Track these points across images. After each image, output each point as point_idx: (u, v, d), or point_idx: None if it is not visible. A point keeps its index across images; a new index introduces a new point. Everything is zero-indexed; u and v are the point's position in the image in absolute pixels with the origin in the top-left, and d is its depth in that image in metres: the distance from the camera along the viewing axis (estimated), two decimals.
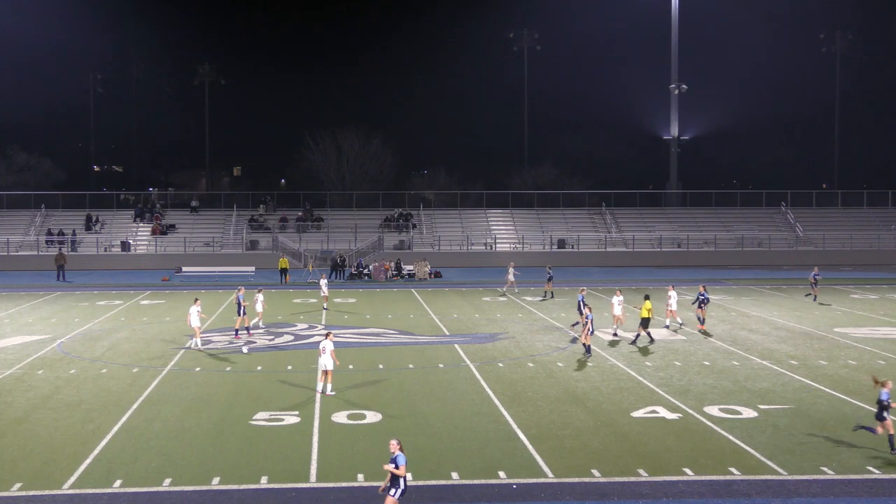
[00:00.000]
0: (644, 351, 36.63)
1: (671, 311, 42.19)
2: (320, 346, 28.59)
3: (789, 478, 20.84)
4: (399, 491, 17.53)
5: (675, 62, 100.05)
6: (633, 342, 38.38)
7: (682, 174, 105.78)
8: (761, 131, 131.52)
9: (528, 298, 54.10)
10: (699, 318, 41.91)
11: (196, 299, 37.98)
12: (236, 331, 40.31)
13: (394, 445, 17.71)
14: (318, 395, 28.18)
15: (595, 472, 21.22)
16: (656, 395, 28.78)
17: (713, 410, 26.77)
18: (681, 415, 26.36)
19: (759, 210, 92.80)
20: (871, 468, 21.49)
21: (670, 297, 42.45)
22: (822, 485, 20.40)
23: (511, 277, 57.78)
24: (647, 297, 39.10)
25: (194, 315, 36.86)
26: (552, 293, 55.62)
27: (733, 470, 21.29)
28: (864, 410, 26.91)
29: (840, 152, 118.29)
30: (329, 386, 28.56)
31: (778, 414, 26.46)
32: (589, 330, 35.42)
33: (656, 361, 34.39)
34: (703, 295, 41.99)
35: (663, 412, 26.63)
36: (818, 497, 19.68)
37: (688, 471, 21.28)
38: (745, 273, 66.96)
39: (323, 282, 49.69)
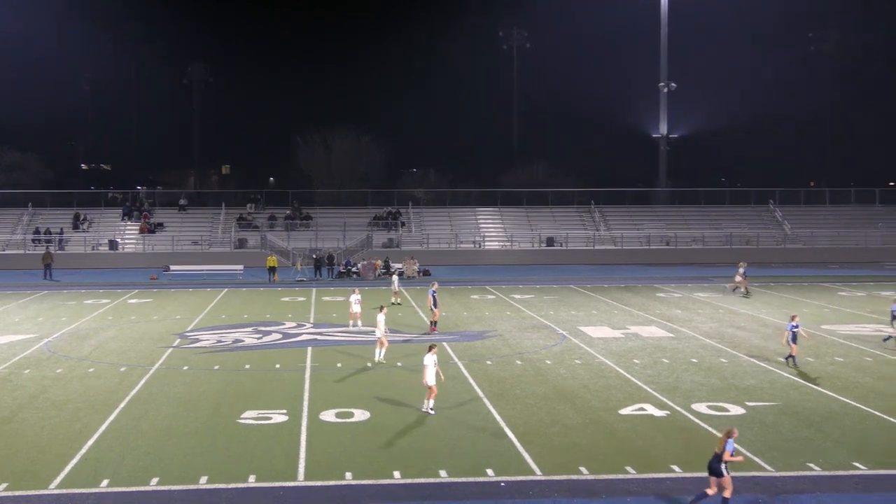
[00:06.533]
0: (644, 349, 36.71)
1: None
2: (424, 362, 26.47)
3: (776, 474, 20.90)
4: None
5: (664, 60, 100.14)
6: None
7: (670, 172, 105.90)
8: (750, 129, 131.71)
9: (517, 297, 54.11)
10: None
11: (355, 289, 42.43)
12: (433, 323, 41.78)
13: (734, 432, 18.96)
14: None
15: (583, 469, 21.24)
16: (644, 393, 28.83)
17: (701, 407, 26.82)
18: (669, 412, 26.40)
19: (747, 208, 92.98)
20: (857, 464, 21.55)
21: None
22: (808, 481, 20.46)
23: (740, 277, 56.01)
24: None
25: (354, 303, 41.47)
26: (746, 289, 55.15)
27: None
28: (851, 406, 27.02)
29: (828, 150, 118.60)
30: (430, 403, 26.43)
31: (765, 411, 26.52)
32: None
33: (644, 359, 34.43)
34: None
35: (651, 409, 26.68)
36: (805, 493, 19.74)
37: (676, 468, 21.33)
38: (734, 271, 66.85)
39: (395, 278, 53.52)
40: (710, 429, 24.53)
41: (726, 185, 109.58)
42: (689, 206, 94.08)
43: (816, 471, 21.12)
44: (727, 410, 26.57)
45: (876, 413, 26.36)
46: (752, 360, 34.41)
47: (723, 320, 44.49)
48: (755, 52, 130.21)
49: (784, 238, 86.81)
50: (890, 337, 37.30)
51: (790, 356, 33.05)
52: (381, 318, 34.19)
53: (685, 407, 26.91)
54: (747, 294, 53.90)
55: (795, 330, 32.98)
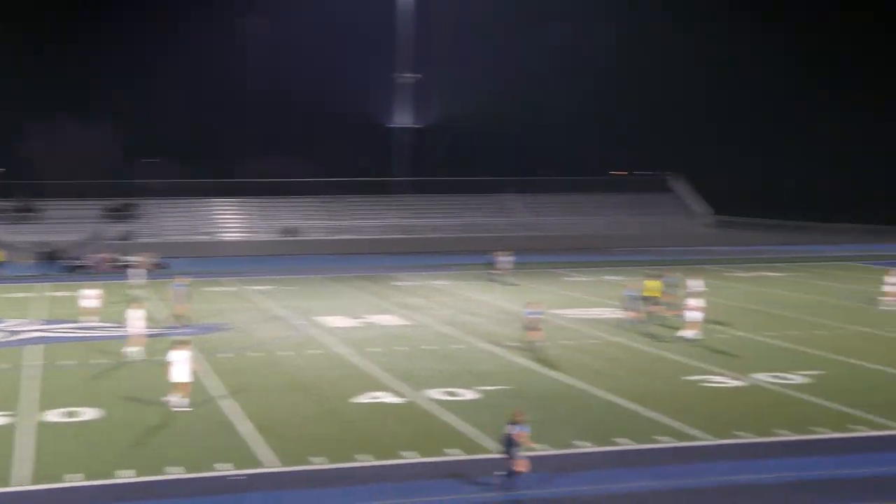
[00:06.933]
0: (373, 339, 37.09)
1: None
2: (169, 358, 25.95)
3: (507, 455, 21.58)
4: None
5: (404, 51, 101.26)
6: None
7: (412, 162, 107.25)
8: (488, 120, 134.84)
9: (256, 288, 53.56)
10: None
11: None
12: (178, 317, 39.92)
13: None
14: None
15: (319, 459, 21.33)
16: (381, 381, 29.19)
17: (435, 394, 27.40)
18: (404, 399, 26.86)
19: (483, 196, 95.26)
20: (582, 442, 22.52)
21: None
22: (537, 461, 21.17)
23: (502, 265, 56.13)
24: (656, 277, 41.02)
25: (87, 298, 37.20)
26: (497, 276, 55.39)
27: (454, 451, 21.88)
28: (578, 387, 28.25)
29: (560, 140, 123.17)
30: (179, 399, 25.70)
31: (498, 395, 27.35)
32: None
33: (381, 347, 34.85)
34: None
35: (387, 397, 27.06)
36: (533, 472, 20.40)
37: (410, 454, 21.71)
38: (470, 258, 68.50)
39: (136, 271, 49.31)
40: (444, 414, 25.11)
41: (465, 175, 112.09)
42: (429, 196, 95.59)
43: (544, 451, 21.94)
44: (461, 396, 27.25)
45: (600, 393, 27.66)
46: (486, 345, 35.39)
47: (458, 307, 45.50)
48: (496, 44, 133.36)
49: (518, 226, 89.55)
50: (631, 322, 39.02)
51: (531, 341, 34.08)
52: (135, 313, 33.26)
53: (420, 393, 27.43)
54: (496, 280, 55.47)
55: (533, 316, 34.12)
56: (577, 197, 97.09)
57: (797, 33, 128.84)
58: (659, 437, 23.10)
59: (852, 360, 32.36)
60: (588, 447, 22.32)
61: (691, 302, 36.58)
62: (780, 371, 30.39)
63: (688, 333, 35.87)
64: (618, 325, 38.95)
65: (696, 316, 36.08)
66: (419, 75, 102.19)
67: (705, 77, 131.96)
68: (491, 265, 56.94)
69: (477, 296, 49.75)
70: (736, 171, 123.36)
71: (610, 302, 45.96)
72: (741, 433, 23.38)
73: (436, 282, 56.02)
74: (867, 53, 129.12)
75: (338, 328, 39.39)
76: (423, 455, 21.62)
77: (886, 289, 44.33)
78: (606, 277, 57.56)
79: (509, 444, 19.53)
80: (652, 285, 41.05)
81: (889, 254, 70.50)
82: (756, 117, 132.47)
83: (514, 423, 19.70)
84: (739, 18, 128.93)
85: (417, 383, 28.76)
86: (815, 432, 23.48)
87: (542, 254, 72.74)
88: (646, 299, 40.26)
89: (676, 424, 24.14)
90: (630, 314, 38.80)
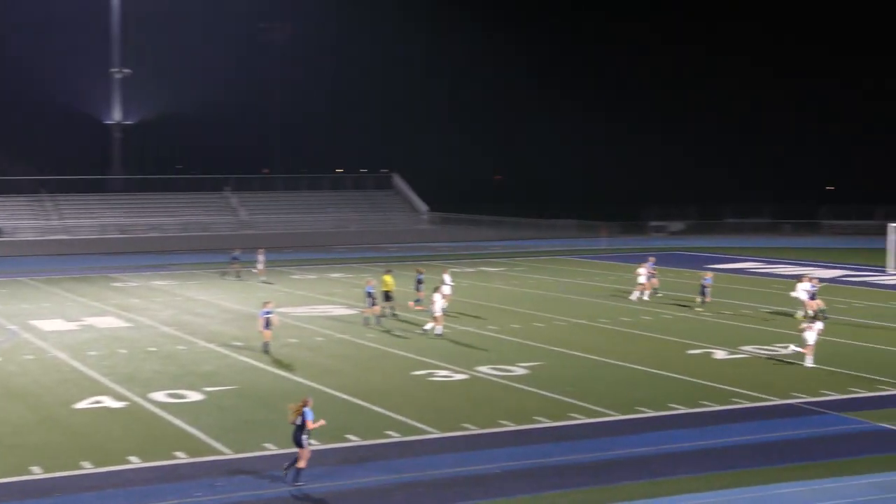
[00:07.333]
0: (92, 340, 35.76)
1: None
2: None
3: (235, 456, 21.34)
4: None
5: (116, 46, 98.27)
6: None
7: (127, 159, 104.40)
8: (206, 117, 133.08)
9: None
10: None
11: None
12: None
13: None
14: None
15: (36, 469, 20.40)
16: (101, 385, 28.24)
17: (159, 396, 26.76)
18: (127, 403, 26.11)
19: (203, 195, 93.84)
20: (266, 444, 22.33)
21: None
22: (264, 460, 21.04)
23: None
24: (391, 272, 41.65)
25: None
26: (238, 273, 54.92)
27: (180, 454, 21.41)
28: (304, 385, 28.13)
29: (287, 138, 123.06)
30: None
31: (223, 395, 27.01)
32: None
33: (101, 350, 33.71)
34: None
35: (108, 402, 26.22)
36: (263, 472, 20.20)
37: (134, 459, 21.10)
38: (191, 258, 67.21)
39: None
40: (168, 417, 24.54)
41: (183, 172, 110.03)
42: (146, 194, 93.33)
43: (272, 450, 21.76)
44: (186, 397, 26.73)
45: (328, 390, 27.68)
46: (210, 345, 34.82)
47: (181, 308, 44.54)
48: (213, 40, 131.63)
49: (240, 224, 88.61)
50: (368, 317, 39.03)
51: (266, 341, 33.36)
52: None
53: (143, 396, 26.72)
54: (239, 276, 54.65)
55: (269, 316, 33.47)
56: (302, 195, 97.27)
57: (517, 35, 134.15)
58: (388, 432, 23.36)
59: (569, 351, 33.72)
60: (317, 445, 22.23)
61: (437, 297, 36.93)
62: (502, 363, 31.33)
63: (430, 326, 36.40)
64: (363, 321, 38.92)
65: (440, 310, 36.55)
66: (129, 70, 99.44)
67: (425, 79, 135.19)
68: (237, 262, 55.90)
69: (199, 295, 48.82)
70: (448, 169, 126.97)
71: (337, 299, 46.22)
72: (467, 425, 23.95)
73: (157, 282, 54.60)
74: (588, 55, 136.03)
75: (53, 332, 37.74)
76: (150, 459, 21.04)
77: (640, 280, 46.40)
78: (332, 275, 57.73)
79: (298, 434, 19.48)
80: (389, 280, 41.46)
81: (597, 248, 74.23)
82: (468, 117, 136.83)
83: (303, 407, 19.68)
84: (464, 29, 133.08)
85: (140, 386, 27.98)
86: (536, 422, 24.33)
87: (268, 252, 72.24)
88: (384, 295, 40.63)
89: (404, 419, 24.47)
90: (369, 310, 38.97)
